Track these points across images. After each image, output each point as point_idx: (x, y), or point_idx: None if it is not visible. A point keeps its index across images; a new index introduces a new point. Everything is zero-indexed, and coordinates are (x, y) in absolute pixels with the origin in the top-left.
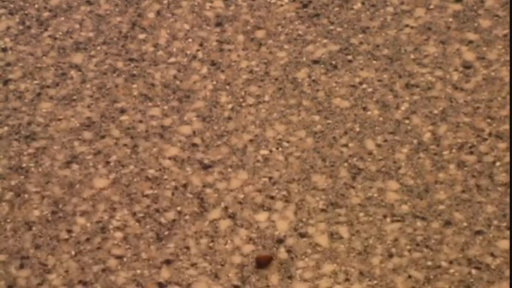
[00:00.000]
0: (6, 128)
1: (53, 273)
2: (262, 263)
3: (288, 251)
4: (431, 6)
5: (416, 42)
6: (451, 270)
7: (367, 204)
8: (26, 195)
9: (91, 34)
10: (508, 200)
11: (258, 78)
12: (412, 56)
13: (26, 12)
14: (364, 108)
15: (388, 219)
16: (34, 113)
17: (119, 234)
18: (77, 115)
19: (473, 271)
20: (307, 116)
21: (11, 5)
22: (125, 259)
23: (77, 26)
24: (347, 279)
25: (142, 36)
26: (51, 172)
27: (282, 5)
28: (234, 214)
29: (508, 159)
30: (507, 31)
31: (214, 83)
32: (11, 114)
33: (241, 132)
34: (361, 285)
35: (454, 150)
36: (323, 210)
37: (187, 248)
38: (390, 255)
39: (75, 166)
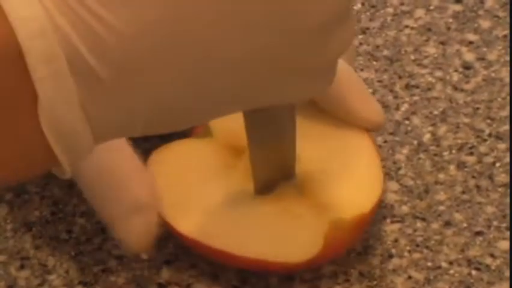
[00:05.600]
0: None
1: (53, 273)
2: None
3: None
4: (431, 7)
5: (416, 43)
6: (451, 271)
7: None
8: (26, 196)
9: None
10: (507, 200)
11: None
12: (412, 57)
13: None
14: None
15: (388, 220)
16: None
17: None
18: None
19: (473, 272)
20: None
21: None
22: (125, 259)
23: None
24: (347, 280)
25: None
26: (51, 173)
27: None
28: None
29: (508, 159)
30: (507, 32)
31: None
32: None
33: None
34: (361, 286)
35: (453, 151)
36: None
37: (187, 248)
38: (390, 256)
39: None
